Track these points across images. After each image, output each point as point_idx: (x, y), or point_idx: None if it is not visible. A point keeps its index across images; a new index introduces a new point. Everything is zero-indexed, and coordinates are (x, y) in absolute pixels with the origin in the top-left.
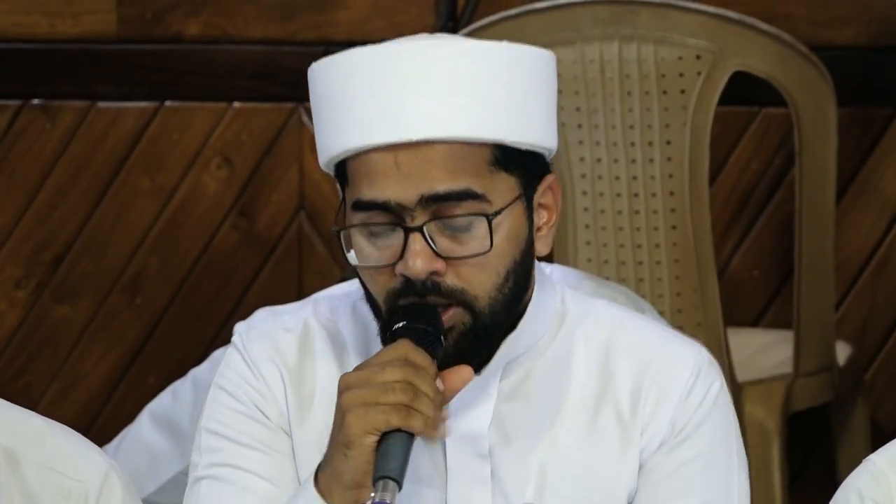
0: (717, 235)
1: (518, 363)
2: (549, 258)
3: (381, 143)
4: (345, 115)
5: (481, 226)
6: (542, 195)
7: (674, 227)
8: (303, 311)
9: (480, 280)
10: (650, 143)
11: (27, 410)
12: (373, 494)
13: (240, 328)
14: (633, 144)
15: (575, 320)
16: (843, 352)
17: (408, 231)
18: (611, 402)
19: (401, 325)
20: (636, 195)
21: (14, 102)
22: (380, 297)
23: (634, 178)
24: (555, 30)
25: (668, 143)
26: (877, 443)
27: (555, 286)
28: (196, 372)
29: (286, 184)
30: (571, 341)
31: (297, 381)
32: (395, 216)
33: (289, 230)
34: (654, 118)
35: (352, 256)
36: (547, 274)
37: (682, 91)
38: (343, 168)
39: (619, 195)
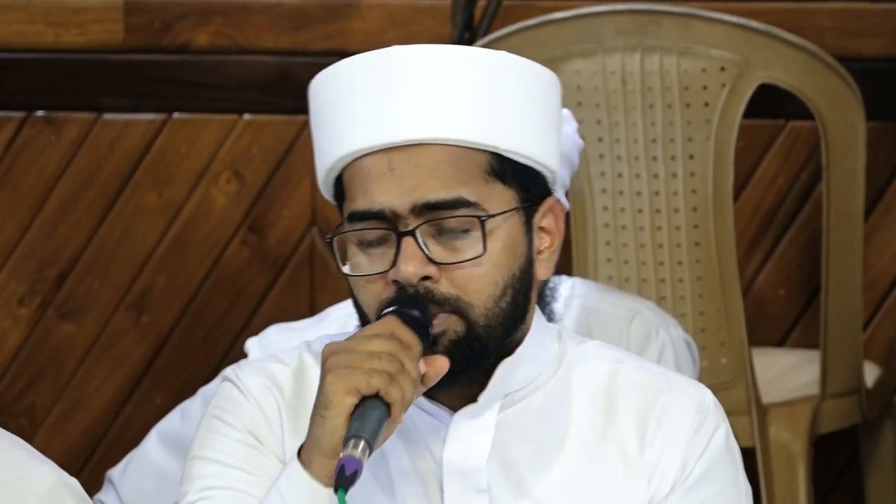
0: (741, 252)
1: (515, 398)
2: (569, 273)
3: (374, 144)
4: (340, 123)
5: (475, 230)
6: (542, 217)
7: (697, 244)
8: (298, 348)
9: (476, 287)
10: (673, 158)
11: None
12: (342, 454)
13: (252, 344)
14: (655, 159)
15: (573, 360)
16: (871, 373)
17: (400, 235)
18: (614, 439)
19: (390, 310)
20: (658, 211)
21: (18, 114)
22: (371, 309)
23: (657, 193)
24: (575, 40)
25: (692, 157)
26: None
27: (551, 327)
28: (206, 390)
29: (298, 198)
30: (570, 380)
31: (293, 411)
32: (388, 224)
33: (300, 246)
34: (677, 132)
35: (346, 268)
36: (544, 317)
37: (706, 104)
38: (340, 184)
39: (640, 211)
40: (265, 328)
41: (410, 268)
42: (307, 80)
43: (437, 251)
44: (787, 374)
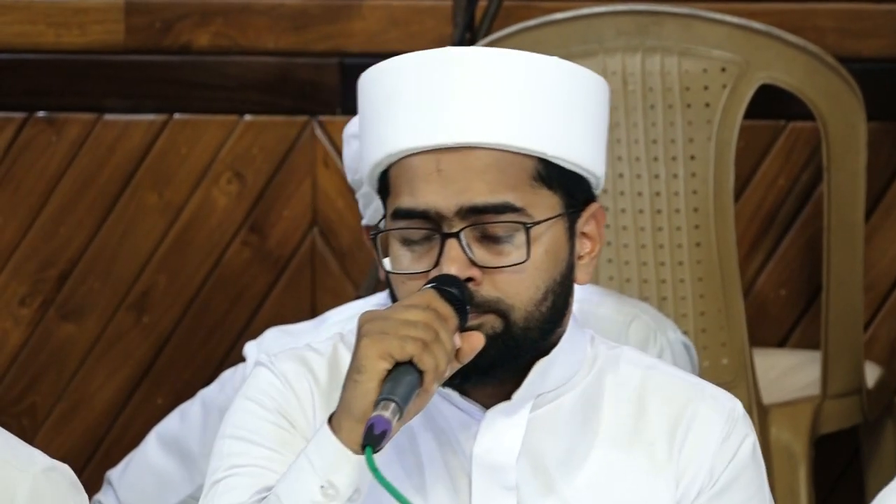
0: (742, 253)
1: (547, 398)
2: None
3: (424, 145)
4: (391, 120)
5: (519, 236)
6: (585, 223)
7: (698, 245)
8: (332, 338)
9: (517, 290)
10: (674, 158)
11: None
12: (373, 413)
13: (250, 348)
14: (656, 159)
15: (605, 363)
16: (872, 373)
17: (444, 237)
18: (644, 443)
19: (428, 285)
20: (659, 211)
21: (19, 115)
22: None
23: (657, 193)
24: (576, 41)
25: (693, 157)
26: None
27: (585, 331)
28: (205, 393)
29: (298, 199)
30: (602, 383)
31: (327, 399)
32: (433, 224)
33: (301, 247)
34: (678, 132)
35: (386, 262)
36: (577, 320)
37: (707, 104)
38: (385, 179)
39: (641, 211)
40: (266, 329)
41: (453, 270)
42: (308, 80)
43: (480, 254)
44: (788, 374)
